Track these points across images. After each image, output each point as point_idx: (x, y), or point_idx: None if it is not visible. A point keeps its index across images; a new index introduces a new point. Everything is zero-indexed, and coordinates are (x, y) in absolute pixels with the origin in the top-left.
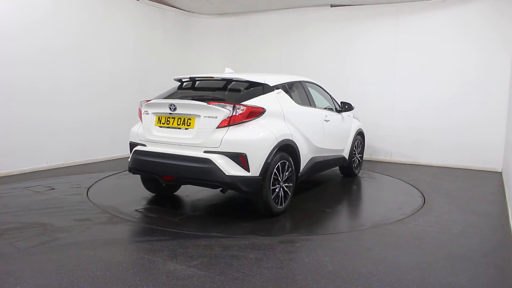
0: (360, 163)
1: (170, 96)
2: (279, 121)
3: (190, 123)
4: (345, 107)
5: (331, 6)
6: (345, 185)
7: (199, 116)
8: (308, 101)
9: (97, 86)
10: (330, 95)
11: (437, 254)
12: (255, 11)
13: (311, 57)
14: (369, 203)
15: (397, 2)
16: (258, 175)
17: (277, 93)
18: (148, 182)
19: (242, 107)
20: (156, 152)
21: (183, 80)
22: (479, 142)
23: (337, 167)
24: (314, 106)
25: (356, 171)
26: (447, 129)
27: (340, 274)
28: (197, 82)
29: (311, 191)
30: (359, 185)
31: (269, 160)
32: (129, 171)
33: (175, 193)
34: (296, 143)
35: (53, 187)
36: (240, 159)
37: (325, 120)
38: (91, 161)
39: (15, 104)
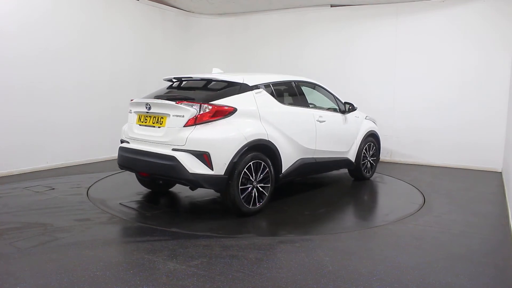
0: (373, 166)
1: (156, 95)
2: (253, 121)
3: (162, 121)
4: (349, 108)
5: (331, 6)
6: (346, 188)
7: (169, 115)
8: (298, 101)
9: (97, 86)
10: (334, 96)
11: (437, 254)
12: (255, 11)
13: (311, 57)
14: (362, 206)
15: (397, 2)
16: (223, 174)
17: (256, 93)
18: (141, 179)
19: (208, 107)
20: (133, 149)
21: (173, 80)
22: (479, 142)
23: (346, 170)
24: (306, 106)
25: (368, 174)
26: (447, 129)
27: (340, 274)
28: (184, 82)
29: (305, 194)
30: (360, 187)
31: (235, 160)
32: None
33: (171, 189)
34: (275, 143)
35: (53, 187)
36: (204, 157)
37: (318, 121)
38: (91, 161)
39: (15, 104)
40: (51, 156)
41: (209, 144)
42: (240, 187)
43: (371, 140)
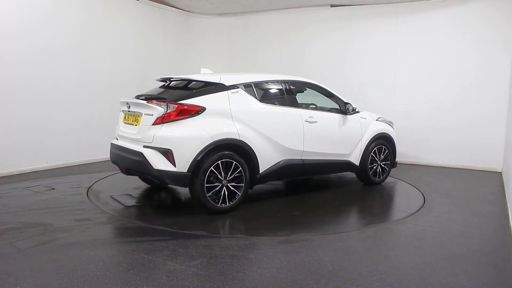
0: (385, 171)
1: (137, 95)
2: (224, 120)
3: (138, 120)
4: (351, 109)
5: (331, 6)
6: (348, 189)
7: (142, 113)
8: (286, 101)
9: (97, 86)
10: (335, 96)
11: (437, 254)
12: (255, 11)
13: (311, 57)
14: (362, 206)
15: (397, 2)
16: (186, 171)
17: (232, 93)
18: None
19: (174, 106)
20: (118, 145)
21: (167, 80)
22: (479, 142)
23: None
24: (295, 106)
25: (377, 179)
26: (447, 129)
27: (340, 274)
28: (172, 82)
29: (305, 194)
30: (361, 188)
31: (199, 158)
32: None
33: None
34: (249, 143)
35: (53, 187)
36: (168, 154)
37: (307, 121)
38: (91, 161)
39: (15, 104)
40: (51, 156)
41: (172, 142)
42: (207, 185)
43: (382, 143)
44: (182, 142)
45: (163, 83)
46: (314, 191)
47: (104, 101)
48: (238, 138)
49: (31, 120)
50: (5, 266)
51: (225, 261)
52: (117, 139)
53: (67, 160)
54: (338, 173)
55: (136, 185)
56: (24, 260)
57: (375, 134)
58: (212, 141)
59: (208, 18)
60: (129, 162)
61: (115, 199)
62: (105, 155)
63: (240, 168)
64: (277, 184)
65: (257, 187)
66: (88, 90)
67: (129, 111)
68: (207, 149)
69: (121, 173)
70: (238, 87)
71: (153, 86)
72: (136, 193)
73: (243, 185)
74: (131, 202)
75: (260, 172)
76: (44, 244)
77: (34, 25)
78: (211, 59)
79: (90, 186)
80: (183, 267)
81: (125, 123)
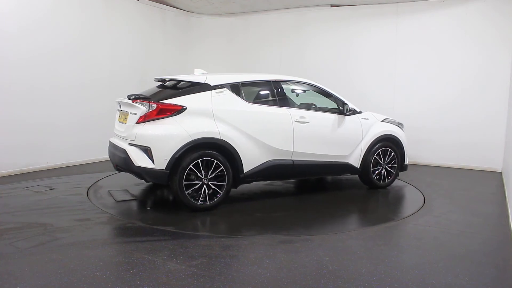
0: (391, 174)
1: (128, 94)
2: (205, 119)
3: (126, 118)
4: (352, 109)
5: (331, 6)
6: (349, 189)
7: (128, 112)
8: (276, 101)
9: (97, 86)
10: (334, 96)
11: (437, 254)
12: (255, 11)
13: (311, 57)
14: (363, 206)
15: (397, 2)
16: (164, 168)
17: (217, 92)
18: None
19: (154, 105)
20: (111, 142)
21: (166, 80)
22: (479, 142)
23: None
24: (286, 106)
25: (381, 183)
26: (447, 129)
27: (340, 274)
28: (167, 83)
29: (296, 196)
30: (361, 188)
31: (177, 156)
32: None
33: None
34: (231, 142)
35: (53, 187)
36: (147, 152)
37: (298, 122)
38: (91, 161)
39: (15, 104)
40: (51, 156)
41: (151, 140)
42: (186, 183)
43: (388, 145)
44: (161, 140)
45: (161, 83)
46: (314, 192)
47: (104, 101)
48: (219, 137)
49: (31, 120)
50: (5, 266)
51: (225, 261)
52: (113, 137)
53: (67, 160)
54: (345, 176)
55: (137, 181)
56: (24, 260)
57: (379, 135)
58: (190, 139)
59: (208, 18)
60: (117, 158)
61: (110, 194)
62: (105, 154)
63: (222, 167)
64: (278, 184)
65: (253, 186)
66: (88, 90)
67: (121, 110)
68: (186, 148)
69: (122, 173)
70: (223, 87)
71: (152, 86)
72: (137, 189)
73: (224, 184)
74: (122, 197)
75: (244, 171)
76: (44, 244)
77: (34, 25)
78: (211, 59)
79: (90, 186)
80: (183, 267)
81: (118, 121)
